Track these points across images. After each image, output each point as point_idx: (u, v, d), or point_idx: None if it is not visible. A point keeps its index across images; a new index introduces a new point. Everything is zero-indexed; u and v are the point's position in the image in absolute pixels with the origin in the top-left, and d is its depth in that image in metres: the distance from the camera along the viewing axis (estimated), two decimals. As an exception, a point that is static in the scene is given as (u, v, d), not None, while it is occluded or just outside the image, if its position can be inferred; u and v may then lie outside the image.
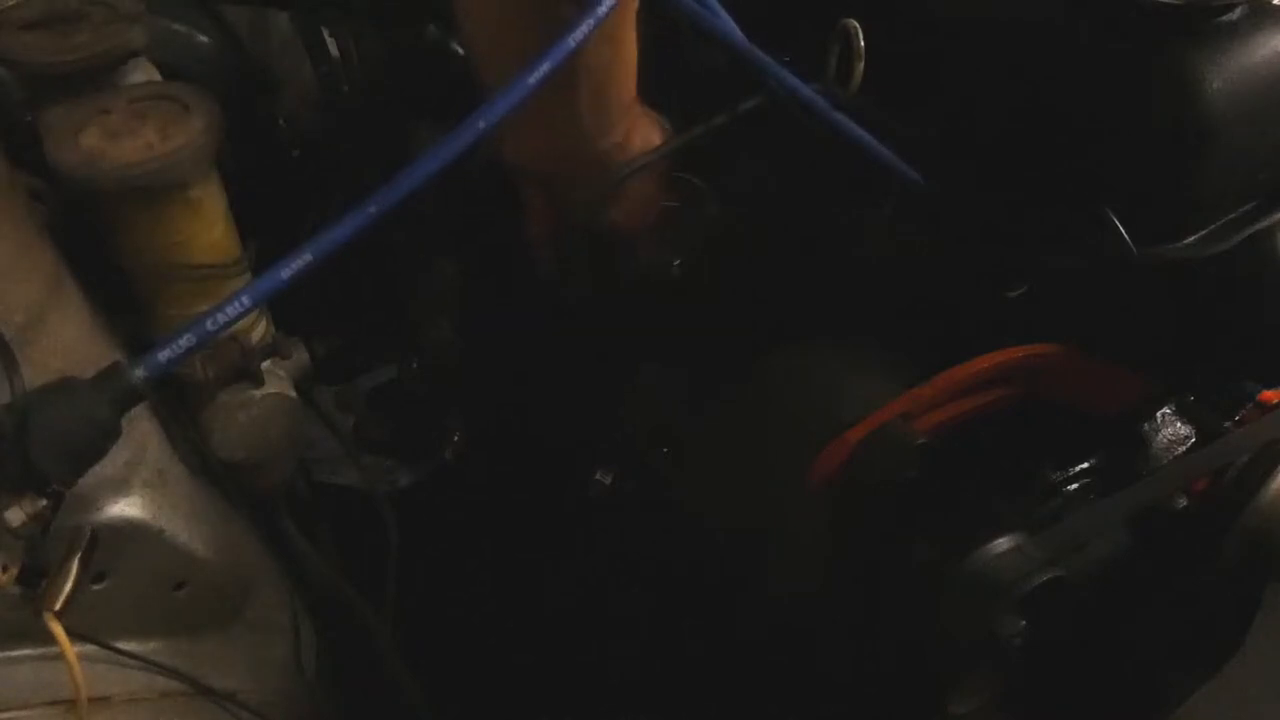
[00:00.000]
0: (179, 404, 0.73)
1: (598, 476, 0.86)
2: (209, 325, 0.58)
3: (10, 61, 0.71)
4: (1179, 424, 0.74)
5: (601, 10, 0.64)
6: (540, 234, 0.82)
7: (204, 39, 0.83)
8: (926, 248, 0.77)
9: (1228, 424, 0.73)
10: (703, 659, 0.85)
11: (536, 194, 0.81)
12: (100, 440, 0.57)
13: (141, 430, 0.69)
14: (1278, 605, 0.68)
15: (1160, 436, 0.73)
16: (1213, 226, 0.67)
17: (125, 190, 0.68)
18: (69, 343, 0.66)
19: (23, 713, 0.66)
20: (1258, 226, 0.67)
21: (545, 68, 0.62)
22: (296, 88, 0.85)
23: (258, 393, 0.74)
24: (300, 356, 0.81)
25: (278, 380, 0.76)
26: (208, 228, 0.71)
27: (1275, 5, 0.67)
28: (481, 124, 0.61)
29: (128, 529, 0.66)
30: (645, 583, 0.88)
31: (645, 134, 0.79)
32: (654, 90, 0.86)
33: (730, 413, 0.81)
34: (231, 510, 0.76)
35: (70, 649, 0.61)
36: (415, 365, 0.90)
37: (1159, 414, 0.73)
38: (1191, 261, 0.66)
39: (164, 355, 0.57)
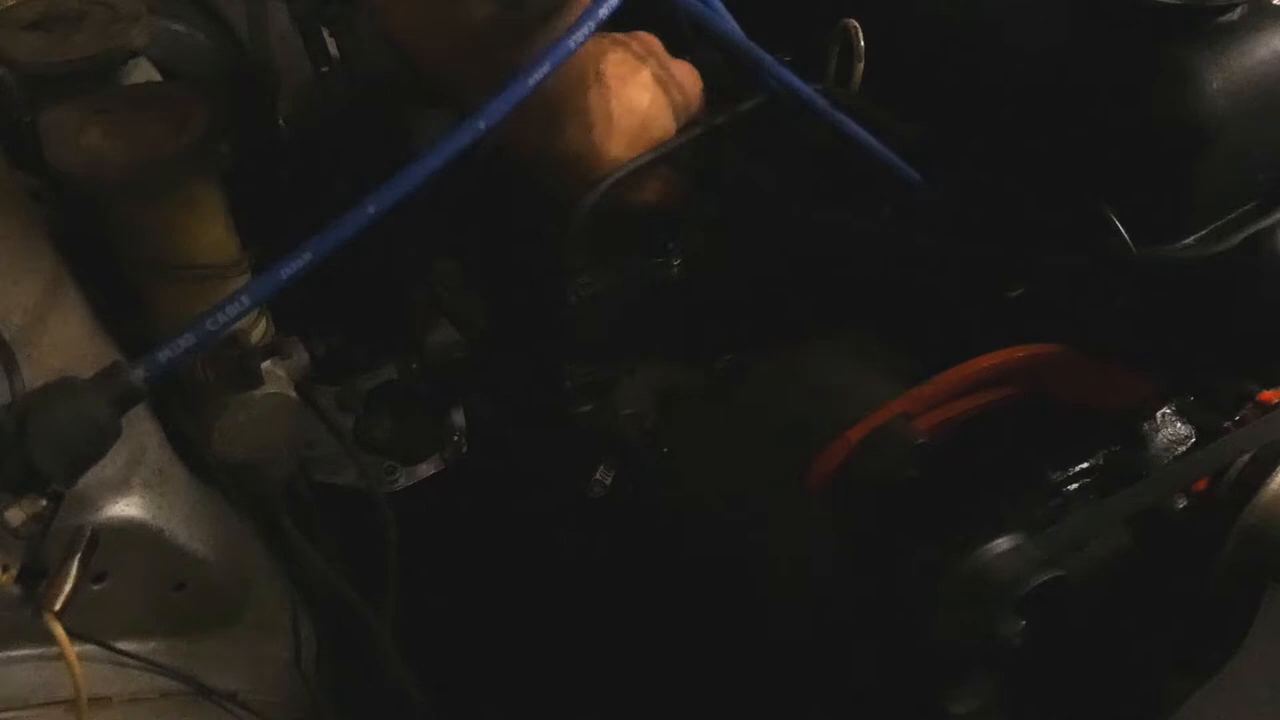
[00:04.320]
0: (179, 404, 0.73)
1: (598, 476, 0.86)
2: (209, 325, 0.58)
3: (10, 61, 0.71)
4: (1179, 424, 0.74)
5: (602, 12, 0.64)
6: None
7: (204, 39, 0.83)
8: (926, 248, 0.77)
9: (1228, 424, 0.73)
10: (702, 659, 0.85)
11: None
12: (100, 440, 0.57)
13: (141, 430, 0.69)
14: (1278, 605, 0.68)
15: (1160, 436, 0.73)
16: (1213, 226, 0.67)
17: (125, 190, 0.68)
18: (69, 343, 0.66)
19: (23, 713, 0.66)
20: (1258, 226, 0.67)
21: (545, 69, 0.62)
22: (296, 87, 0.85)
23: (258, 393, 0.74)
24: (300, 356, 0.80)
25: (278, 380, 0.76)
26: (208, 228, 0.71)
27: (1275, 5, 0.67)
28: (481, 125, 0.61)
29: (128, 529, 0.66)
30: (644, 583, 0.88)
31: (624, 101, 0.79)
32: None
33: (731, 412, 0.81)
34: (231, 510, 0.76)
35: (70, 649, 0.61)
36: (415, 365, 0.90)
37: (1159, 414, 0.73)
38: (1191, 261, 0.66)
39: (164, 355, 0.57)
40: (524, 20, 0.64)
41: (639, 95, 0.79)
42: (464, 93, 0.70)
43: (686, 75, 0.83)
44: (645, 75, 0.80)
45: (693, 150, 0.83)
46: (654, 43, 0.83)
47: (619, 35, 0.82)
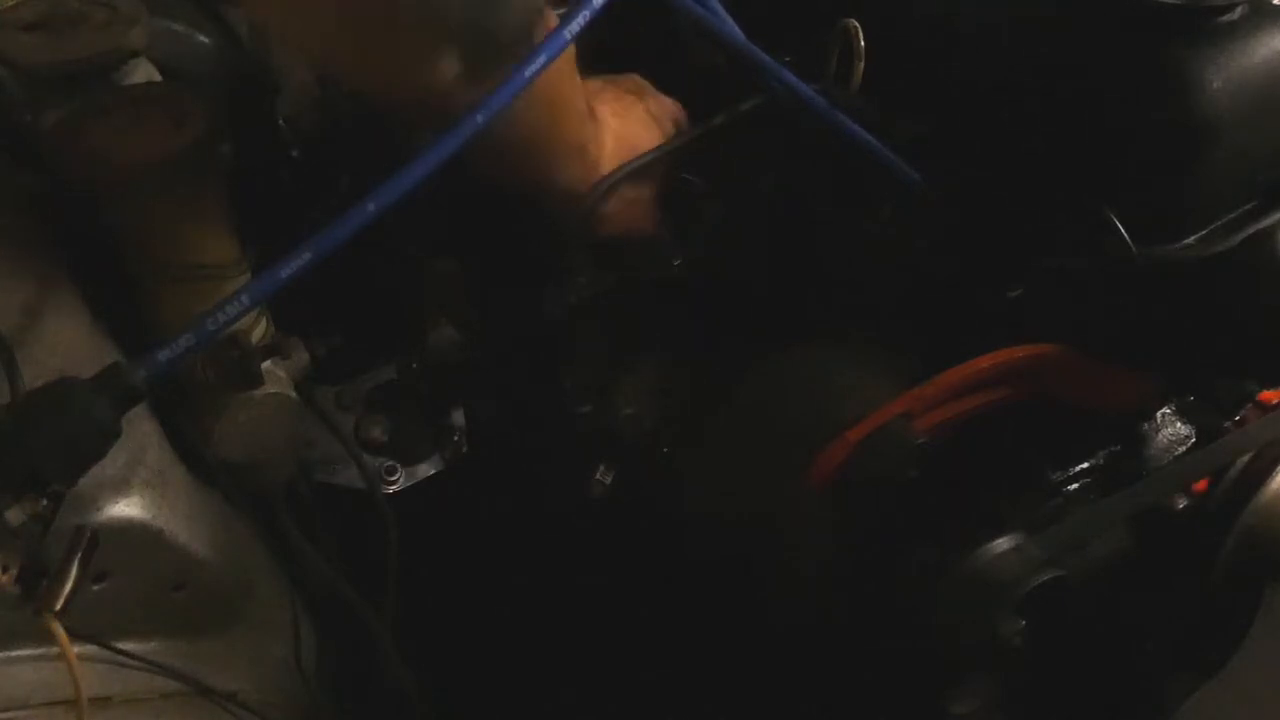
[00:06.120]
0: (179, 404, 0.73)
1: (598, 476, 0.86)
2: (209, 325, 0.58)
3: (10, 62, 0.71)
4: (1179, 424, 0.74)
5: (598, 2, 0.64)
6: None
7: (204, 39, 0.83)
8: (926, 247, 0.77)
9: (1228, 424, 0.73)
10: (702, 659, 0.85)
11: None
12: (100, 440, 0.57)
13: (141, 430, 0.69)
14: (1278, 605, 0.68)
15: (1160, 436, 0.73)
16: (1213, 226, 0.67)
17: (126, 190, 0.68)
18: (68, 343, 0.66)
19: (23, 713, 0.65)
20: (1258, 226, 0.67)
21: (541, 60, 0.62)
22: (296, 88, 0.85)
23: (258, 393, 0.74)
24: (300, 356, 0.80)
25: (278, 380, 0.76)
26: (208, 228, 0.71)
27: (1275, 5, 0.67)
28: (479, 119, 0.61)
29: (128, 529, 0.66)
30: (644, 583, 0.88)
31: (620, 137, 0.80)
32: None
33: (731, 413, 0.81)
34: (231, 510, 0.76)
35: (70, 649, 0.61)
36: (415, 365, 0.90)
37: (1159, 414, 0.73)
38: (1191, 261, 0.66)
39: (164, 355, 0.57)
40: (490, 56, 0.63)
41: (634, 131, 0.80)
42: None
43: (677, 112, 0.83)
44: (639, 111, 0.82)
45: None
46: (643, 82, 0.84)
47: (610, 76, 0.83)
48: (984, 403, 0.69)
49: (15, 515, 0.56)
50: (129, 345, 0.70)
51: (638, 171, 0.80)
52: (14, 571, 0.61)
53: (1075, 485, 0.70)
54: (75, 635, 0.62)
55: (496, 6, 0.61)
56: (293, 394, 0.77)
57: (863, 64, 0.75)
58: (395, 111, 0.70)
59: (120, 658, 0.69)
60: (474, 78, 0.63)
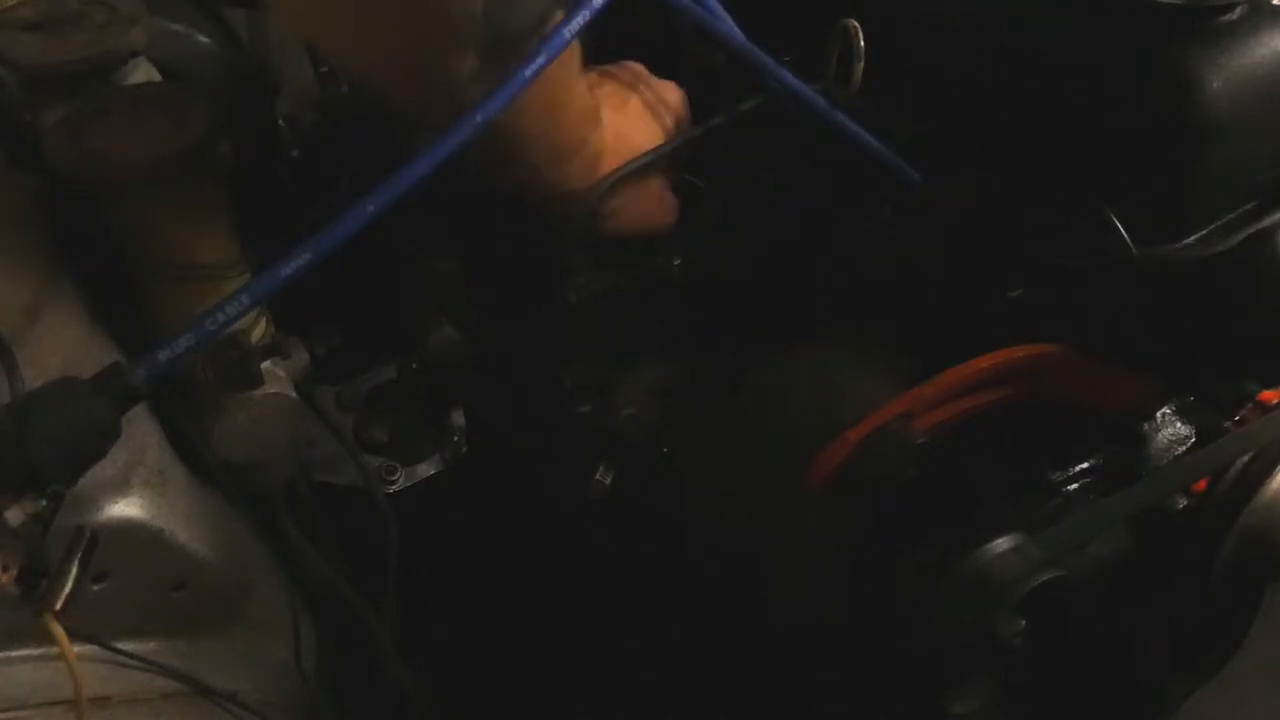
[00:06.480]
0: (179, 404, 0.73)
1: (598, 477, 0.86)
2: (209, 325, 0.58)
3: (10, 62, 0.71)
4: (1179, 424, 0.74)
5: (598, 2, 0.64)
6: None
7: (204, 39, 0.83)
8: (927, 248, 0.77)
9: (1228, 424, 0.73)
10: (702, 659, 0.85)
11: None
12: (100, 440, 0.57)
13: (141, 430, 0.69)
14: (1278, 605, 0.68)
15: (1160, 436, 0.73)
16: (1213, 226, 0.67)
17: (125, 190, 0.68)
18: (68, 343, 0.66)
19: (23, 713, 0.66)
20: (1258, 226, 0.67)
21: (541, 60, 0.62)
22: (296, 88, 0.85)
23: (258, 393, 0.74)
24: (300, 356, 0.80)
25: (278, 380, 0.76)
26: (208, 228, 0.71)
27: (1275, 5, 0.67)
28: (479, 118, 0.61)
29: (128, 529, 0.66)
30: (644, 583, 0.88)
31: (617, 134, 0.79)
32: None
33: (731, 412, 0.81)
34: (231, 510, 0.76)
35: (70, 649, 0.61)
36: (415, 365, 0.90)
37: (1159, 414, 0.73)
38: (1191, 261, 0.66)
39: (164, 355, 0.57)
40: (505, 50, 0.63)
41: (631, 125, 0.80)
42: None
43: (674, 96, 0.83)
44: (636, 104, 0.81)
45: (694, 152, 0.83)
46: (640, 70, 0.83)
47: (606, 67, 0.83)
48: (984, 403, 0.69)
49: (15, 515, 0.56)
50: (129, 345, 0.70)
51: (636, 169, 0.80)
52: (14, 571, 0.61)
53: (1075, 485, 0.70)
54: (75, 635, 0.62)
55: (515, 1, 0.61)
56: (293, 394, 0.77)
57: (863, 64, 0.75)
58: (407, 108, 0.70)
59: (120, 658, 0.69)
60: (488, 72, 0.63)
